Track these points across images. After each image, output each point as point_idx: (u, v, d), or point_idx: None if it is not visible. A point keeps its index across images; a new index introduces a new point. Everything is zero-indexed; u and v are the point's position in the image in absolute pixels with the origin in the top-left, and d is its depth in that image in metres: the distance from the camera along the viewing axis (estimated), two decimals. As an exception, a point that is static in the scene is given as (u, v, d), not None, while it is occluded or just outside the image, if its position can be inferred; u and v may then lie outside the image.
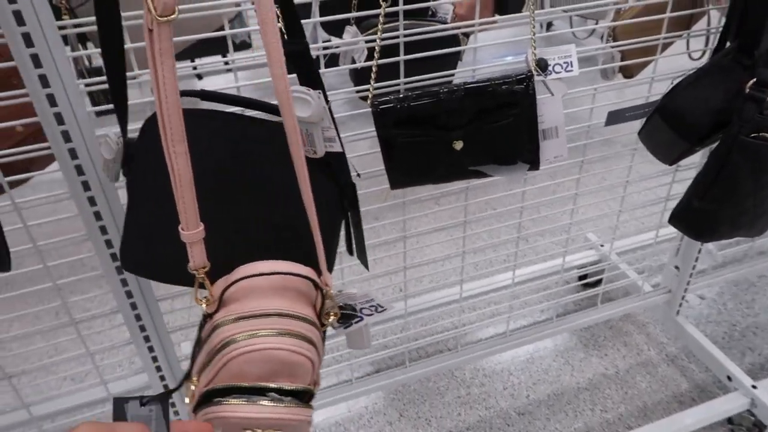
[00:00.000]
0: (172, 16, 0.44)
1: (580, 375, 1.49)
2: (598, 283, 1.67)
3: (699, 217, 0.82)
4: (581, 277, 1.69)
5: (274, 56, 0.49)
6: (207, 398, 0.54)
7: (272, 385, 0.53)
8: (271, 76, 0.49)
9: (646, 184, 1.38)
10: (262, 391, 0.53)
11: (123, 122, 0.66)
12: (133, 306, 0.88)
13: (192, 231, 0.52)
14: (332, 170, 0.71)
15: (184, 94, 0.70)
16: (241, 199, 0.65)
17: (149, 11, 0.43)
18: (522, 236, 1.20)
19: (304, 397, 0.56)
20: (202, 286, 0.55)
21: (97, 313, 0.91)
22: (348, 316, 0.66)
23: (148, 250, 0.68)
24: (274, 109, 0.71)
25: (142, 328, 0.91)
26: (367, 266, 0.82)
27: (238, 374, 0.53)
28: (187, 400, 0.57)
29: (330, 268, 0.73)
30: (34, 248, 0.82)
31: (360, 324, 0.65)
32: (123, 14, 0.70)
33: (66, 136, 0.73)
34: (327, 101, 0.65)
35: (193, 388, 0.56)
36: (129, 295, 0.87)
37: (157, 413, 0.52)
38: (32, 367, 0.98)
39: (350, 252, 0.83)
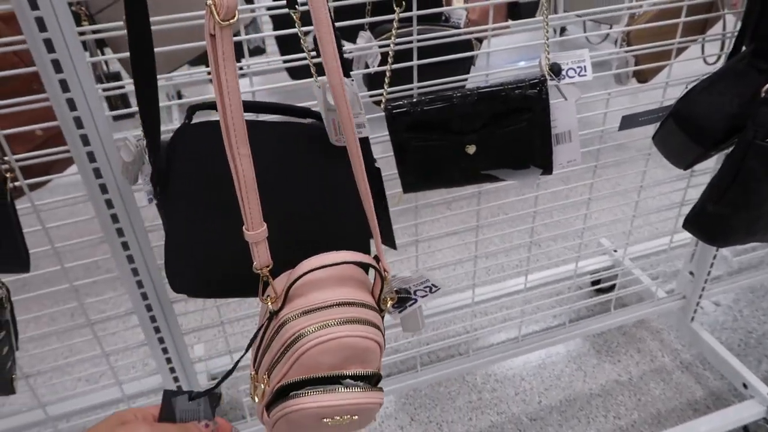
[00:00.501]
0: (233, 20, 0.45)
1: (593, 381, 1.48)
2: (611, 288, 1.66)
3: (714, 221, 0.81)
4: (594, 283, 1.68)
5: (328, 49, 0.50)
6: (281, 394, 0.55)
7: (347, 372, 0.55)
8: (326, 69, 0.51)
9: (660, 189, 1.37)
10: (337, 380, 0.55)
11: (156, 131, 0.67)
12: (149, 308, 0.89)
13: (256, 231, 0.53)
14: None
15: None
16: (288, 199, 0.68)
17: (212, 15, 0.44)
18: (534, 241, 1.20)
19: (374, 380, 0.58)
20: (266, 284, 0.57)
21: (112, 314, 0.92)
22: (403, 299, 0.68)
23: (201, 271, 0.70)
24: (305, 112, 0.74)
25: (157, 330, 0.92)
26: (395, 246, 0.83)
27: (312, 366, 0.54)
28: (256, 399, 0.58)
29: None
30: (52, 250, 0.83)
31: (414, 306, 0.68)
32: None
33: (85, 140, 0.74)
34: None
35: (262, 387, 0.57)
36: (144, 296, 0.88)
37: (205, 408, 0.53)
38: (48, 367, 0.99)
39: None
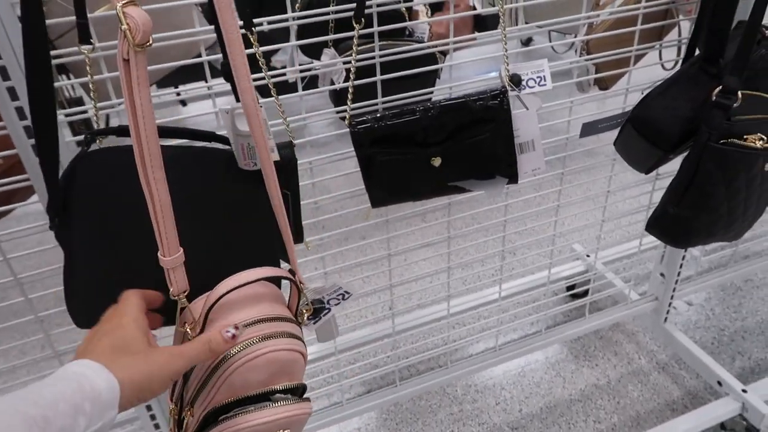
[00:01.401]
0: (148, 44, 0.45)
1: (572, 387, 1.49)
2: (586, 293, 1.67)
3: (675, 224, 0.83)
4: (569, 288, 1.69)
5: (241, 71, 0.52)
6: (208, 421, 0.54)
7: (277, 387, 0.55)
8: (239, 90, 0.52)
9: (630, 193, 1.39)
10: (266, 396, 0.55)
11: (52, 156, 0.63)
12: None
13: (173, 256, 0.52)
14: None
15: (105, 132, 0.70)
16: (195, 224, 0.65)
17: (126, 40, 0.44)
18: (508, 249, 1.21)
19: (300, 392, 0.58)
20: (182, 310, 0.56)
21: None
22: (318, 310, 0.70)
23: (104, 302, 0.66)
24: (211, 136, 0.73)
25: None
26: (302, 240, 0.84)
27: (240, 386, 0.54)
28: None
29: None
30: (15, 281, 0.81)
31: (328, 315, 0.70)
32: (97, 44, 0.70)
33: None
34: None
35: (186, 418, 0.56)
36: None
37: None
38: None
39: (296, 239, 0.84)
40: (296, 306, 0.62)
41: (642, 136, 0.84)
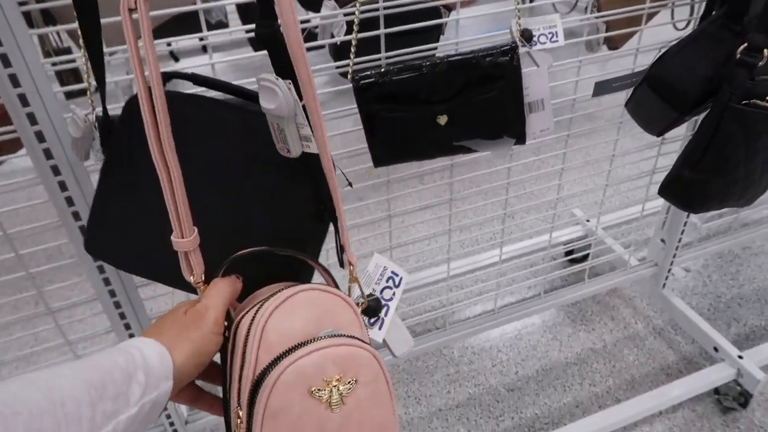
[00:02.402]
0: None
1: (569, 350, 1.50)
2: (584, 258, 1.67)
3: (689, 187, 0.81)
4: (568, 253, 1.68)
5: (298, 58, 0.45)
6: (253, 396, 0.45)
7: (324, 331, 0.47)
8: (282, 23, 0.44)
9: (630, 158, 1.37)
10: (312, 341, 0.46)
11: (103, 97, 0.62)
12: (112, 293, 0.86)
13: (188, 237, 0.49)
14: (311, 175, 0.64)
15: (173, 76, 0.66)
16: (232, 198, 0.61)
17: None
18: (508, 213, 1.19)
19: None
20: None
21: (75, 301, 0.88)
22: (373, 308, 0.58)
23: (123, 240, 0.64)
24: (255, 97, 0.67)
25: (122, 316, 0.89)
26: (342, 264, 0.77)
27: (282, 337, 0.45)
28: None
29: (309, 279, 0.67)
30: (4, 236, 0.79)
31: (390, 314, 0.58)
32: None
33: (32, 119, 0.69)
34: (300, 97, 0.59)
35: (239, 421, 0.46)
36: (107, 282, 0.85)
37: None
38: (12, 357, 0.95)
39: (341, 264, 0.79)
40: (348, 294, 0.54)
41: (658, 95, 0.81)
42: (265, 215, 0.61)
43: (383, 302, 0.60)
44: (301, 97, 0.57)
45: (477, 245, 1.80)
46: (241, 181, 0.61)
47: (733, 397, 1.30)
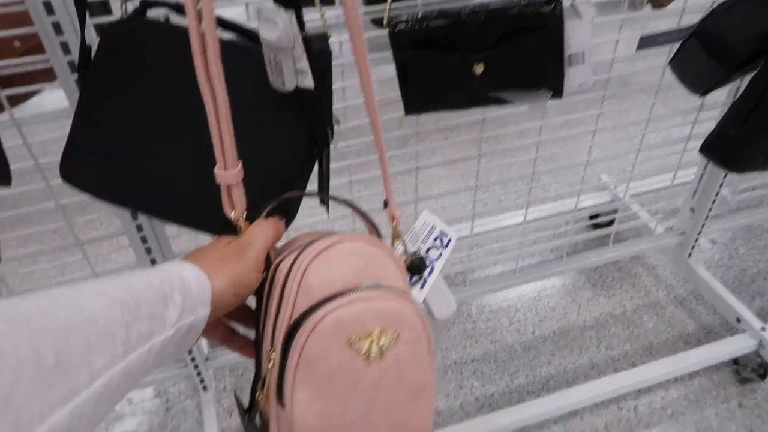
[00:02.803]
0: None
1: (587, 313, 1.49)
2: (609, 224, 1.65)
3: (733, 146, 0.78)
4: (592, 217, 1.66)
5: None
6: (292, 333, 0.44)
7: (367, 282, 0.44)
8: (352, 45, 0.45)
9: (664, 123, 1.33)
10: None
11: (81, 16, 0.61)
12: (139, 228, 0.87)
13: (234, 170, 0.47)
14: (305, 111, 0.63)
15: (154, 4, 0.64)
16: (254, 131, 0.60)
17: None
18: (535, 173, 1.17)
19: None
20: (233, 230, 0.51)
21: (101, 234, 0.90)
22: (417, 266, 0.55)
23: (107, 168, 0.62)
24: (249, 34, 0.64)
25: (148, 251, 0.90)
26: (327, 209, 0.73)
27: (321, 285, 0.44)
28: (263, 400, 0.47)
29: (290, 219, 0.66)
30: (36, 166, 0.80)
31: (434, 274, 0.55)
32: None
33: (65, 48, 0.69)
34: (302, 28, 0.57)
35: (270, 360, 0.45)
36: (134, 216, 0.85)
37: None
38: (38, 287, 0.97)
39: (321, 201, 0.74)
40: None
41: (705, 51, 0.78)
42: (264, 151, 0.61)
43: (428, 262, 0.57)
44: (302, 28, 0.56)
45: (499, 204, 1.78)
46: (241, 117, 0.61)
47: (752, 368, 1.29)
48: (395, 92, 0.85)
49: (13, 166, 0.72)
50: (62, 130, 0.80)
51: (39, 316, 0.30)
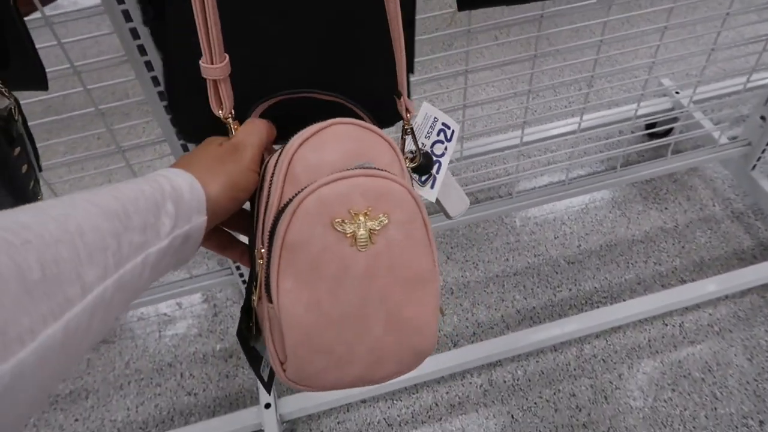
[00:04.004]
0: None
1: (636, 228, 1.44)
2: (666, 134, 1.55)
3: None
4: (648, 126, 1.56)
5: None
6: (276, 221, 0.41)
7: (357, 163, 0.41)
8: None
9: (734, 22, 1.20)
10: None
11: None
12: (179, 135, 0.84)
13: (220, 64, 0.44)
14: None
15: None
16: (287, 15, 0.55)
17: None
18: (588, 78, 1.08)
19: None
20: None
21: (143, 141, 0.88)
22: (425, 165, 0.51)
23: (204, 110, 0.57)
24: None
25: (190, 159, 0.88)
26: (412, 69, 0.68)
27: (308, 171, 0.41)
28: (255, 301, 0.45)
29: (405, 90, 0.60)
30: (73, 70, 0.76)
31: (442, 171, 0.51)
32: None
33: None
34: None
35: (260, 261, 0.42)
36: (174, 123, 0.83)
37: None
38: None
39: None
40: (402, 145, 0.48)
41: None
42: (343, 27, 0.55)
43: (434, 158, 0.53)
44: None
45: (549, 111, 1.69)
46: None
47: (810, 287, 1.24)
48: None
49: (49, 70, 0.69)
50: (99, 28, 0.76)
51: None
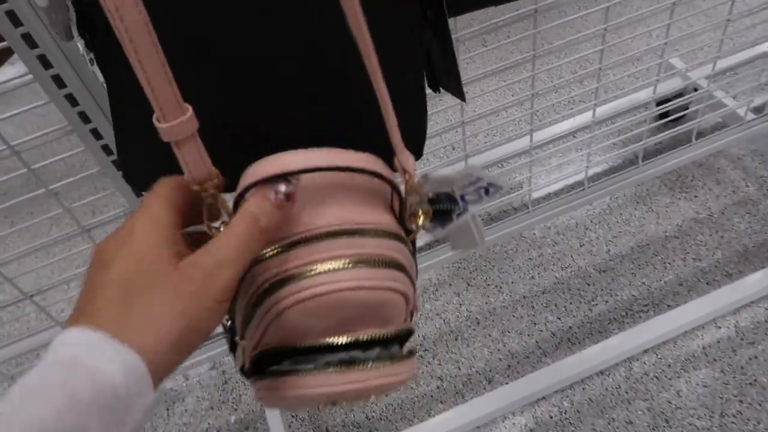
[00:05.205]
0: None
1: (667, 222, 1.32)
2: (683, 118, 1.43)
3: None
4: (662, 115, 1.45)
5: None
6: (259, 366, 0.37)
7: (349, 339, 0.35)
8: None
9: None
10: (335, 350, 0.35)
11: None
12: (146, 205, 0.74)
13: (174, 121, 0.30)
14: None
15: None
16: (252, 47, 0.44)
17: None
18: (593, 72, 0.97)
19: (397, 342, 0.38)
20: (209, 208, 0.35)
21: (106, 216, 0.78)
22: (444, 212, 0.43)
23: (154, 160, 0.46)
24: None
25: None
26: (463, 97, 0.58)
27: (296, 330, 0.35)
28: (237, 365, 0.38)
29: (421, 143, 0.50)
30: (9, 151, 0.67)
31: (464, 217, 0.43)
32: None
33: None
34: None
35: (242, 346, 0.38)
36: (139, 193, 0.73)
37: None
38: (58, 281, 0.86)
39: (434, 87, 0.59)
40: (400, 208, 0.39)
41: None
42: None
43: (459, 206, 0.43)
44: None
45: (555, 114, 1.58)
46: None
47: None
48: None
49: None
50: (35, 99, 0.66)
51: None
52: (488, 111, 0.92)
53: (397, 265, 0.36)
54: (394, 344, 0.37)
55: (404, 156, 0.38)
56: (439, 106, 1.56)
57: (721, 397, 1.04)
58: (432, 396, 1.13)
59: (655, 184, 1.40)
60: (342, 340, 0.35)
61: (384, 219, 0.37)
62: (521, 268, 1.30)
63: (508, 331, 1.20)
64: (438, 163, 1.04)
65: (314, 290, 0.33)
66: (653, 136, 1.15)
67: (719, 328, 1.13)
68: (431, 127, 1.46)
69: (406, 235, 0.39)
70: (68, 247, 1.40)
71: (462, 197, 0.42)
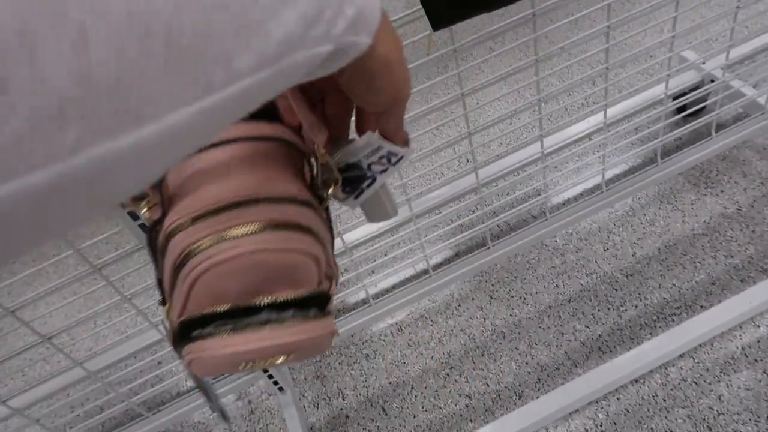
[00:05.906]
0: None
1: (694, 220, 1.28)
2: (700, 111, 1.39)
3: None
4: (679, 110, 1.41)
5: None
6: (184, 332, 0.39)
7: (265, 300, 0.37)
8: None
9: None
10: (252, 312, 0.37)
11: None
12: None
13: None
14: None
15: None
16: None
17: None
18: (598, 73, 0.95)
19: (313, 304, 0.40)
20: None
21: (115, 255, 0.77)
22: (355, 179, 0.45)
23: None
24: None
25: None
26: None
27: (216, 294, 0.37)
28: (164, 331, 0.42)
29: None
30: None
31: (374, 187, 0.45)
32: None
33: None
34: None
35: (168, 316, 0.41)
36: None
37: None
38: (73, 321, 0.87)
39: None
40: (311, 175, 0.41)
41: None
42: None
43: (367, 174, 0.44)
44: None
45: (568, 116, 1.55)
46: None
47: None
48: (415, 5, 0.66)
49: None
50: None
51: None
52: (491, 121, 0.89)
53: (305, 229, 0.38)
54: (311, 308, 0.39)
55: (313, 128, 0.40)
56: (450, 115, 1.54)
57: (766, 400, 0.99)
58: (461, 415, 1.10)
59: (679, 181, 1.35)
60: (257, 301, 0.37)
61: (294, 187, 0.39)
62: (545, 277, 1.27)
63: (536, 343, 1.16)
64: (451, 174, 1.02)
65: (225, 254, 0.35)
66: (672, 132, 1.11)
67: (758, 326, 1.08)
68: (440, 140, 1.43)
69: (319, 203, 0.41)
70: (87, 283, 1.42)
71: (369, 166, 0.43)
